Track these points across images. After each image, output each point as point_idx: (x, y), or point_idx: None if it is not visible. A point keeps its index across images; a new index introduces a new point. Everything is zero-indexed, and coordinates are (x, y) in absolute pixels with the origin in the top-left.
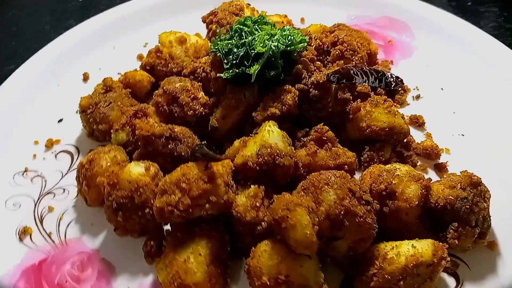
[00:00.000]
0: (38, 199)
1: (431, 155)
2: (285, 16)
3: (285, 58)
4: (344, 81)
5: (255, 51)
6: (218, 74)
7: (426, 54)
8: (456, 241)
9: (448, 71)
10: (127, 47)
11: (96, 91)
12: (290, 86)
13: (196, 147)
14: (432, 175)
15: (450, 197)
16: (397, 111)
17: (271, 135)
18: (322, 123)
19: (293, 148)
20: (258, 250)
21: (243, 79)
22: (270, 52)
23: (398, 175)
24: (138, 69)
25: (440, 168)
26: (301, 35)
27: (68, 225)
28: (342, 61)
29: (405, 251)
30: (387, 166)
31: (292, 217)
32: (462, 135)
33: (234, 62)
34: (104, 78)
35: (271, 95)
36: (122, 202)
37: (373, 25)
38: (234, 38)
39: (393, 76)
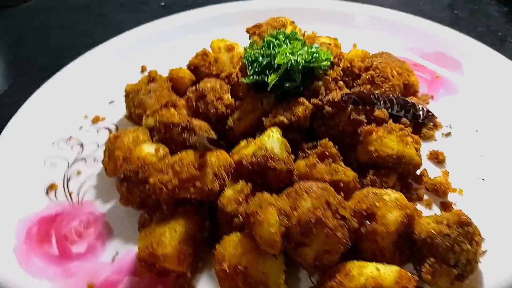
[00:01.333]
0: (71, 163)
1: (438, 191)
2: (335, 39)
3: (308, 74)
4: (360, 103)
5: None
6: (240, 79)
7: (471, 94)
8: (429, 277)
9: (488, 115)
10: (187, 49)
11: (141, 80)
12: (304, 99)
13: (199, 137)
14: (436, 212)
15: (432, 231)
16: (412, 141)
17: (270, 139)
18: (328, 139)
19: (291, 156)
20: (228, 239)
21: (263, 87)
22: (289, 64)
23: (384, 199)
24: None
25: (445, 207)
26: (328, 54)
27: (88, 188)
28: (369, 86)
29: (368, 272)
30: (378, 189)
31: (261, 213)
32: (483, 179)
33: (257, 70)
34: (150, 70)
35: (284, 105)
36: (128, 175)
37: (424, 58)
38: (263, 48)
39: (425, 109)
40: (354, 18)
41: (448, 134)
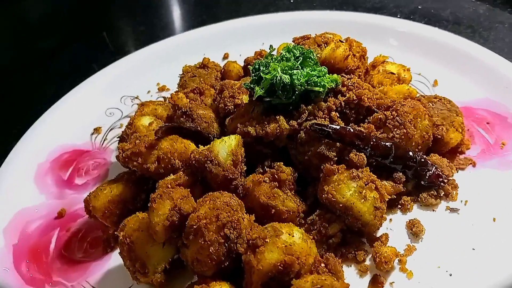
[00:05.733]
0: (122, 117)
1: (375, 262)
2: (408, 70)
3: (305, 96)
4: (335, 139)
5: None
6: (242, 84)
7: None
8: None
9: None
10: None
11: (195, 64)
12: (281, 118)
13: (165, 124)
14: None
15: None
16: (375, 198)
17: (221, 144)
18: (282, 163)
19: (242, 167)
20: (137, 214)
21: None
22: (271, 80)
23: (279, 238)
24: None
25: (374, 282)
26: (330, 82)
27: (117, 140)
28: (372, 126)
29: None
30: (285, 227)
31: (157, 203)
32: (450, 274)
33: (255, 78)
34: (204, 57)
35: (264, 117)
36: (124, 136)
37: (500, 119)
38: (273, 60)
39: (437, 172)
40: (451, 56)
41: (454, 210)
